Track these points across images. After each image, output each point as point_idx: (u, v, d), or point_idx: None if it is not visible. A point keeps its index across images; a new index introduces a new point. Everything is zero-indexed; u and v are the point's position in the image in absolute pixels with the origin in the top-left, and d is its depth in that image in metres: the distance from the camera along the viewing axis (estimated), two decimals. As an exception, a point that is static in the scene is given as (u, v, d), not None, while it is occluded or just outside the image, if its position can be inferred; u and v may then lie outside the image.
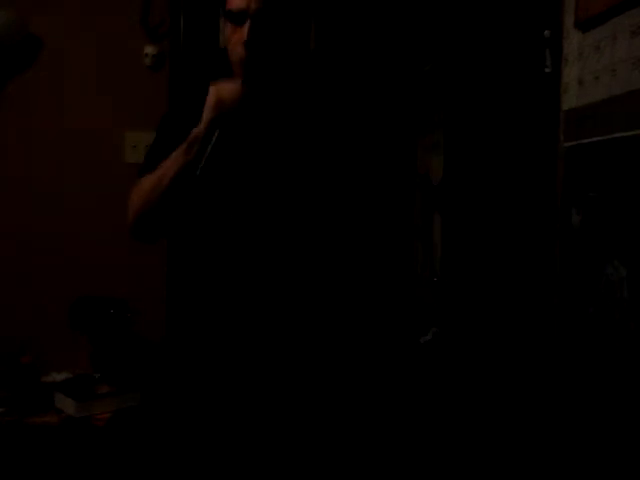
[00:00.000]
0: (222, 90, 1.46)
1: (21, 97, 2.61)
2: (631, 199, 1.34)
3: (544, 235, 1.70)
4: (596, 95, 1.51)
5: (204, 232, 1.55)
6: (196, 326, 1.59)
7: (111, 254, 2.66)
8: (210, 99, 1.45)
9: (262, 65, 1.47)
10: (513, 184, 1.83)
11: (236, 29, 1.49)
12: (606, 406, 1.41)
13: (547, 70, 1.68)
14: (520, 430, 1.72)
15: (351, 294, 1.49)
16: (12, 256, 2.62)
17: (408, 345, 1.87)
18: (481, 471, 1.83)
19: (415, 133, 2.30)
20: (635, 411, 1.30)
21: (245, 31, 1.45)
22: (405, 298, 1.99)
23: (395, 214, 1.51)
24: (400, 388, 1.50)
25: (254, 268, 1.48)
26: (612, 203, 1.42)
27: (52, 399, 2.39)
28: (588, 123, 1.53)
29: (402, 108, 2.19)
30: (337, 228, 1.48)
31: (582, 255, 1.54)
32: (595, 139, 1.50)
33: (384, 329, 1.50)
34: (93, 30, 2.64)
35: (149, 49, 2.64)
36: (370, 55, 2.28)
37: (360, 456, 1.46)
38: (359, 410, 1.46)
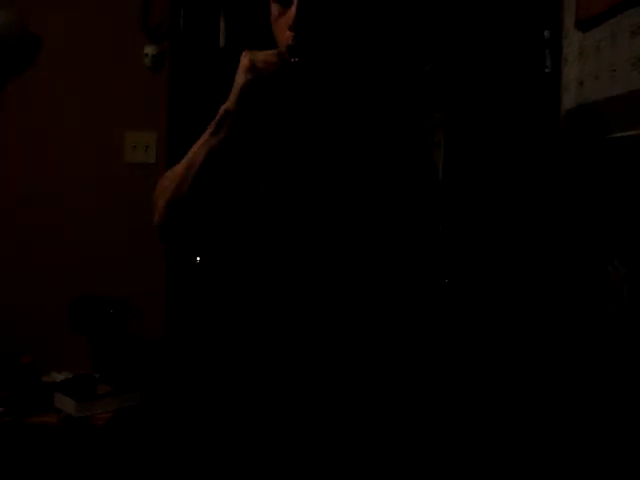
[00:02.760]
0: (256, 54, 1.30)
1: (21, 97, 2.61)
2: (631, 199, 1.34)
3: (544, 235, 1.70)
4: (596, 95, 1.51)
5: (214, 227, 1.48)
6: (196, 326, 1.58)
7: (111, 254, 2.66)
8: (242, 63, 1.30)
9: (311, 52, 1.32)
10: (513, 184, 1.83)
11: (282, 11, 1.33)
12: (610, 405, 1.41)
13: (547, 70, 1.69)
14: (522, 428, 1.72)
15: (353, 295, 1.48)
16: (12, 256, 2.62)
17: (413, 346, 1.87)
18: (482, 469, 1.83)
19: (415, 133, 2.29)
20: (635, 410, 1.30)
21: (292, 13, 1.29)
22: (406, 299, 1.98)
23: (400, 214, 1.51)
24: (401, 388, 1.49)
25: (258, 260, 1.47)
26: (612, 203, 1.42)
27: (52, 399, 2.39)
28: (588, 123, 1.53)
29: (402, 108, 2.18)
30: (341, 227, 1.47)
31: (583, 254, 1.54)
32: (595, 139, 1.50)
33: (389, 330, 1.50)
34: (93, 30, 2.64)
35: (149, 49, 2.64)
36: (370, 55, 2.28)
37: (363, 456, 1.46)
38: (363, 409, 1.46)
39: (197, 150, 1.37)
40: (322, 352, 1.45)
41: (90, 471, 2.21)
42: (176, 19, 2.60)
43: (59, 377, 2.52)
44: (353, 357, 1.45)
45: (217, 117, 1.34)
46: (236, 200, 1.44)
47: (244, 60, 1.31)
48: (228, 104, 1.32)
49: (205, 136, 1.36)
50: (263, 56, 1.31)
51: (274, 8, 1.38)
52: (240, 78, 1.30)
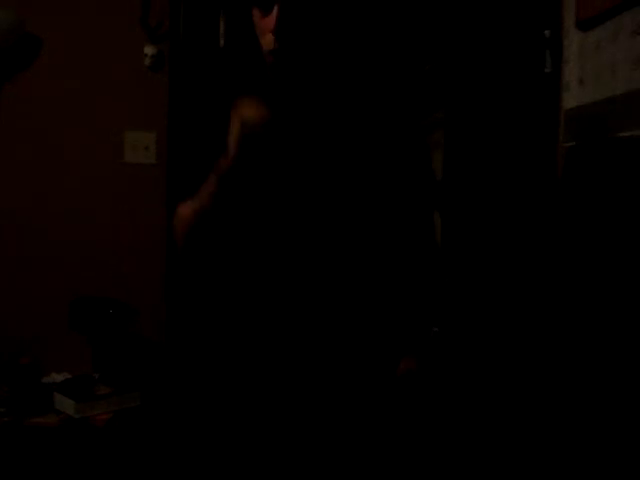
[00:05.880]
0: (246, 116, 1.31)
1: (21, 97, 2.61)
2: (631, 198, 1.34)
3: (544, 235, 1.70)
4: (596, 95, 1.51)
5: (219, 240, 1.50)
6: (198, 328, 1.58)
7: (111, 254, 2.66)
8: (233, 129, 1.32)
9: (294, 57, 1.35)
10: (513, 183, 1.82)
11: (263, 15, 1.36)
12: (606, 407, 1.41)
13: (547, 70, 1.68)
14: (520, 430, 1.72)
15: (350, 294, 1.48)
16: (12, 256, 2.62)
17: (408, 346, 1.86)
18: (481, 471, 1.83)
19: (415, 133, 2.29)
20: (635, 410, 1.30)
21: (273, 18, 1.32)
22: (405, 297, 1.98)
23: (396, 213, 1.51)
24: (400, 389, 1.49)
25: (256, 267, 1.47)
26: (612, 202, 1.42)
27: (52, 400, 2.39)
28: (588, 123, 1.52)
29: (402, 108, 2.18)
30: (341, 228, 1.47)
31: (583, 254, 1.54)
32: (595, 139, 1.49)
33: (384, 329, 1.50)
34: (93, 30, 2.64)
35: (149, 49, 2.63)
36: (370, 55, 2.28)
37: (361, 457, 1.45)
38: (360, 411, 1.46)
39: (204, 202, 1.40)
40: (320, 352, 1.45)
41: (90, 472, 2.21)
42: (176, 19, 2.59)
43: (59, 378, 2.52)
44: (352, 359, 1.45)
45: (217, 174, 1.36)
46: (232, 202, 1.45)
47: (234, 128, 1.32)
48: (225, 165, 1.34)
49: (211, 187, 1.38)
50: (252, 117, 1.31)
51: (255, 13, 1.39)
52: (233, 145, 1.33)
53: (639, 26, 1.36)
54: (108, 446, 2.26)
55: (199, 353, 2.13)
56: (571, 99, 1.61)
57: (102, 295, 2.58)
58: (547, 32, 1.68)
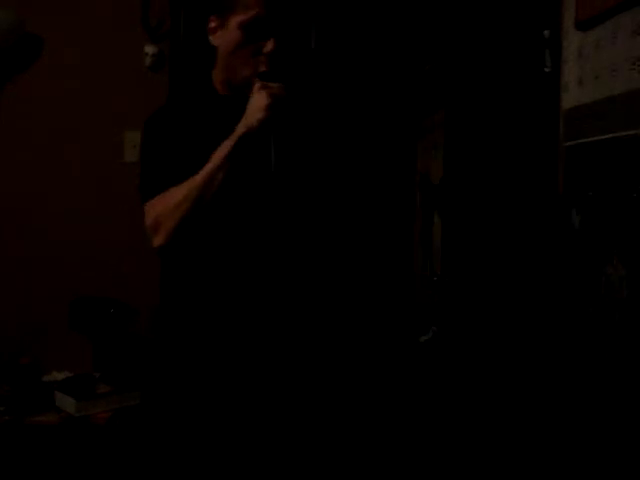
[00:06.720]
0: (274, 90, 1.40)
1: (21, 97, 2.61)
2: (631, 198, 1.34)
3: (544, 235, 1.70)
4: (596, 95, 1.51)
5: (205, 230, 1.51)
6: (195, 326, 1.59)
7: (111, 254, 2.66)
8: (261, 100, 1.39)
9: (286, 75, 1.45)
10: (513, 184, 1.83)
11: (248, 40, 1.49)
12: (606, 406, 1.41)
13: (547, 70, 1.69)
14: (520, 430, 1.72)
15: (351, 294, 1.49)
16: (12, 256, 2.62)
17: (408, 345, 1.87)
18: (481, 471, 1.83)
19: (415, 133, 2.30)
20: (635, 411, 1.30)
21: (269, 44, 1.44)
22: (405, 298, 1.98)
23: (395, 214, 1.51)
24: (399, 388, 1.50)
25: (252, 265, 1.48)
26: (612, 203, 1.42)
27: (52, 398, 2.39)
28: (588, 123, 1.53)
29: (402, 108, 2.19)
30: (337, 228, 1.48)
31: (582, 255, 1.54)
32: (595, 139, 1.50)
33: (383, 329, 1.50)
34: (93, 30, 2.64)
35: (149, 49, 2.64)
36: (370, 55, 2.28)
37: (359, 456, 1.46)
38: (359, 409, 1.46)
39: (214, 173, 1.41)
40: (314, 350, 1.45)
41: (90, 470, 2.21)
42: (176, 19, 2.60)
43: (59, 376, 2.52)
44: (344, 353, 1.46)
45: (233, 142, 1.39)
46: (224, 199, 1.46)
47: (263, 98, 1.38)
48: (245, 130, 1.38)
49: (221, 159, 1.40)
50: (278, 91, 1.39)
51: (237, 35, 1.51)
52: (260, 114, 1.37)
53: (639, 26, 1.37)
54: (108, 444, 2.26)
55: (194, 350, 2.14)
56: (571, 99, 1.61)
57: (102, 295, 2.58)
58: (546, 32, 1.69)
